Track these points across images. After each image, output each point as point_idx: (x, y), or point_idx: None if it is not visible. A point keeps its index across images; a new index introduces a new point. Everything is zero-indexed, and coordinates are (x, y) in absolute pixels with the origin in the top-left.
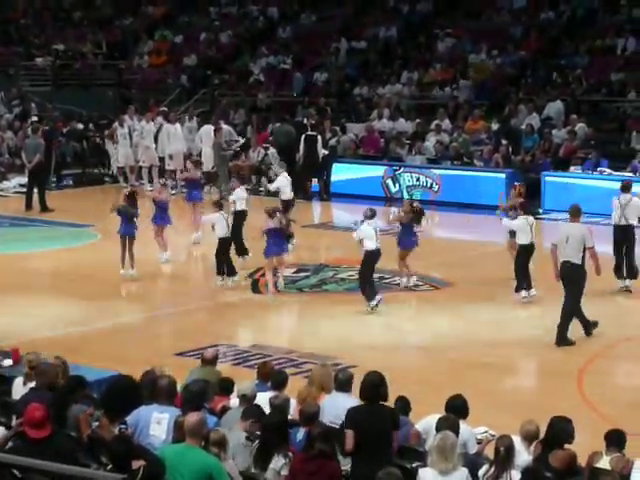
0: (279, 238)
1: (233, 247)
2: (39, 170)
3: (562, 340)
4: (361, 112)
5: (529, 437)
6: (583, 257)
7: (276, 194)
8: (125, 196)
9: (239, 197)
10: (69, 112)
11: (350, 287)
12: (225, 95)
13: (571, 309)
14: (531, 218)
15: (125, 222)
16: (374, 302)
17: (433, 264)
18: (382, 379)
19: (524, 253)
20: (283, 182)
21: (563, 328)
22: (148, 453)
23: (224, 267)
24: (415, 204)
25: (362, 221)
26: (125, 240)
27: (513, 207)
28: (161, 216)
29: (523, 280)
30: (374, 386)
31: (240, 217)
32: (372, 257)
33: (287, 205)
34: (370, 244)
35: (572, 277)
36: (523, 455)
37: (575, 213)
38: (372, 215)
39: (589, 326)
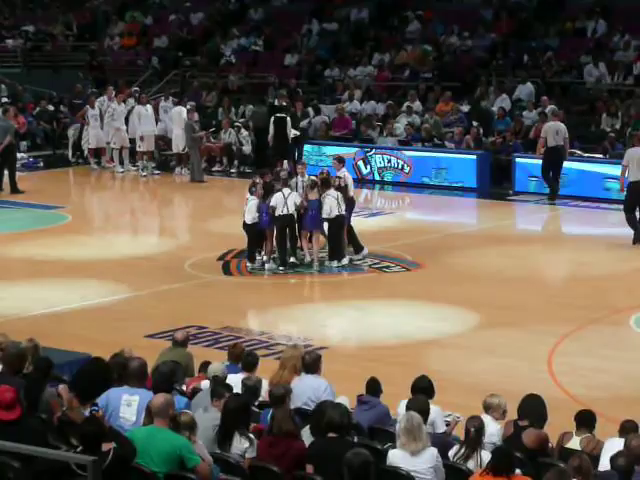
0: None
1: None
2: (9, 152)
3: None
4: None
5: (491, 408)
6: None
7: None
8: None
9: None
10: (39, 93)
11: (322, 269)
12: (196, 77)
13: None
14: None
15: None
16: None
17: (403, 245)
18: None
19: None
20: None
21: None
22: (119, 435)
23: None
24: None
25: None
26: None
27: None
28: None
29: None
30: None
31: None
32: None
33: None
34: None
35: None
36: (489, 427)
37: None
38: None
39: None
